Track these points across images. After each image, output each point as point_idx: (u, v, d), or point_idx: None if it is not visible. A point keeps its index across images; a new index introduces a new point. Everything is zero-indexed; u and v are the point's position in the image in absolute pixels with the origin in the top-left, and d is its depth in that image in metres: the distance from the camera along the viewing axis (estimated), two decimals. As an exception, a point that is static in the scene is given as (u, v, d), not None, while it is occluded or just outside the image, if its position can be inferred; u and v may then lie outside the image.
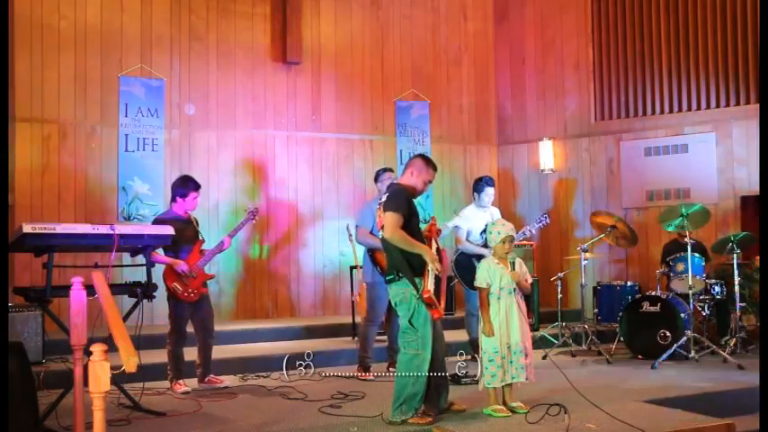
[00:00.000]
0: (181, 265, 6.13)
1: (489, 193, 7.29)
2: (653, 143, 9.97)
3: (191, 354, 6.32)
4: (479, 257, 6.32)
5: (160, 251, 6.14)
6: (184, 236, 6.22)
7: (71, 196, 8.70)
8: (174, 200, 6.38)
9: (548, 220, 7.78)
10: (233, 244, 6.79)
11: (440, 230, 5.38)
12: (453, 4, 10.99)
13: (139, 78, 9.07)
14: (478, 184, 7.33)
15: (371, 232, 6.58)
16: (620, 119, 10.31)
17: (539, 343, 7.73)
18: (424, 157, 5.24)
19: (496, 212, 7.34)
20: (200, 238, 6.43)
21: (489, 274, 5.20)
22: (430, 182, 5.19)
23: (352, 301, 8.46)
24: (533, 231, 7.64)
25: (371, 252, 6.64)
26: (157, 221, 6.20)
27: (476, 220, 7.19)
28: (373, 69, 10.43)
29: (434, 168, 5.18)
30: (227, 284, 9.27)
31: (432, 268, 4.78)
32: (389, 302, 5.43)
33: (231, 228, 7.08)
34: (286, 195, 9.77)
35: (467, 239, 7.20)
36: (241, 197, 9.38)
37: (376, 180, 6.92)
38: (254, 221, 6.90)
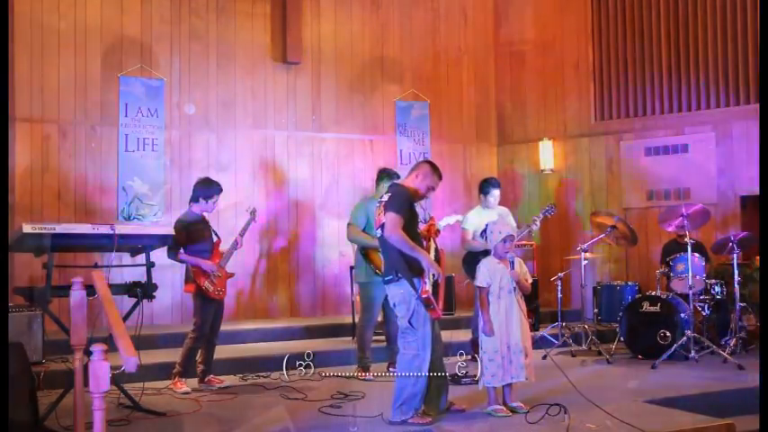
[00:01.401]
0: (208, 265, 6.20)
1: (495, 194, 7.25)
2: (653, 143, 9.97)
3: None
4: (486, 253, 6.31)
5: (181, 251, 6.21)
6: (204, 236, 6.33)
7: (71, 196, 8.70)
8: (195, 200, 6.42)
9: (554, 210, 7.74)
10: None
11: (438, 231, 5.38)
12: (453, 4, 10.98)
13: (139, 78, 9.06)
14: (484, 186, 7.30)
15: (364, 230, 6.61)
16: (620, 119, 10.31)
17: (539, 343, 7.73)
18: (431, 163, 5.25)
19: (505, 212, 7.27)
20: (217, 237, 6.51)
21: (489, 273, 5.21)
22: (433, 189, 5.19)
23: (352, 302, 8.46)
24: (538, 223, 7.57)
25: (365, 251, 6.65)
26: (180, 222, 6.25)
27: (482, 222, 7.16)
28: (373, 69, 10.43)
29: (440, 177, 5.18)
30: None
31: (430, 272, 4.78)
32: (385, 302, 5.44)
33: (233, 227, 7.16)
34: (286, 195, 9.77)
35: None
36: (241, 197, 9.36)
37: (378, 180, 6.88)
38: (255, 221, 7.01)
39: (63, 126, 8.72)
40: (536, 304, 8.92)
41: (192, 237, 6.20)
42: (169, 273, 7.79)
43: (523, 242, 9.43)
